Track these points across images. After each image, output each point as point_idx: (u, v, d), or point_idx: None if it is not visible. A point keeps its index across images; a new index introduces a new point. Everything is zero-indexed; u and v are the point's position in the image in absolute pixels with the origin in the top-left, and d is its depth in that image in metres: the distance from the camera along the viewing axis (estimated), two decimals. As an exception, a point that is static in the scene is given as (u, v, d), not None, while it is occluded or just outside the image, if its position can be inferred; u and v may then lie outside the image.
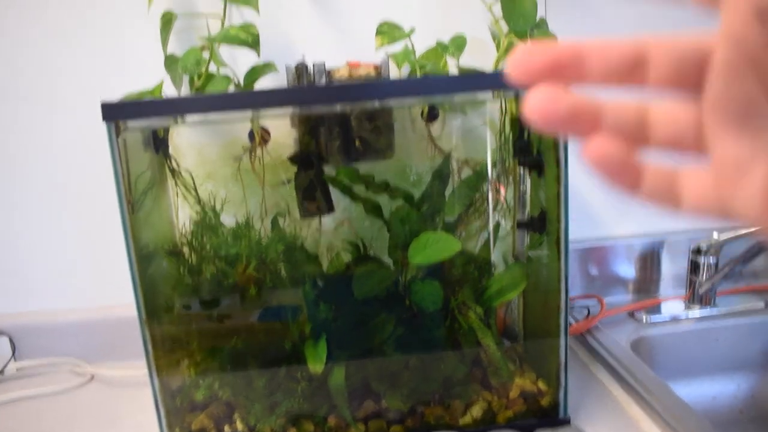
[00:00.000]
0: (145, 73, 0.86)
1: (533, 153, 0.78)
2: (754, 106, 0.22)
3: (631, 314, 1.05)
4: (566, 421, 0.78)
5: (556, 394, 0.77)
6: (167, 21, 0.86)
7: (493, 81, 0.68)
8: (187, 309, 0.78)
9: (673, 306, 1.08)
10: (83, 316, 1.08)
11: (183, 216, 0.84)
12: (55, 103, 1.00)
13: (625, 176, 0.25)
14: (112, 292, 1.09)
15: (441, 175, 0.82)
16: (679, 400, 0.78)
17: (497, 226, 0.84)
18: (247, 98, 0.68)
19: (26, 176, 1.03)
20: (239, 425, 0.76)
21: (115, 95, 0.79)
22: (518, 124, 0.81)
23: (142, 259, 0.73)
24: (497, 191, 0.86)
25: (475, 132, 0.87)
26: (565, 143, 0.71)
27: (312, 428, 0.76)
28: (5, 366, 1.06)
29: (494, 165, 0.84)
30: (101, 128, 0.66)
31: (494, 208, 0.86)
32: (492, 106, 0.87)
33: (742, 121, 0.22)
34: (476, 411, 0.78)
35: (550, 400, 0.78)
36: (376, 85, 0.69)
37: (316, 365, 0.73)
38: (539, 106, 0.24)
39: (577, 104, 0.25)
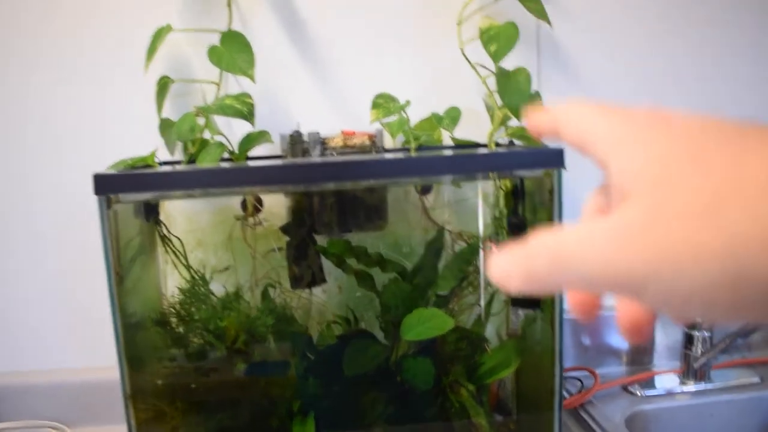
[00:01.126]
0: (138, 136, 0.85)
1: (527, 230, 0.78)
2: None
3: (625, 387, 1.04)
4: (560, 507, 0.75)
5: (550, 477, 0.75)
6: (163, 86, 0.86)
7: (488, 163, 0.69)
8: (170, 387, 0.76)
9: (667, 380, 1.06)
10: (65, 378, 1.05)
11: (172, 284, 0.82)
12: (44, 163, 0.99)
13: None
14: (95, 355, 1.06)
15: (434, 247, 0.82)
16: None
17: (490, 301, 0.83)
18: (240, 174, 0.68)
19: (12, 236, 1.02)
20: (222, 507, 0.74)
21: (107, 158, 0.79)
22: (512, 200, 0.81)
23: (128, 327, 0.72)
24: (489, 249, 0.85)
25: (469, 205, 0.87)
26: (560, 220, 0.71)
27: None
28: (-18, 430, 1.03)
29: (488, 239, 0.84)
30: (92, 192, 0.65)
31: (488, 283, 0.85)
32: (486, 180, 0.87)
33: None
34: (468, 494, 0.76)
35: (544, 483, 0.76)
36: (372, 164, 0.69)
37: (303, 446, 0.71)
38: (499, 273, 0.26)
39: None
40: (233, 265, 0.82)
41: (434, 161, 0.67)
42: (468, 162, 0.67)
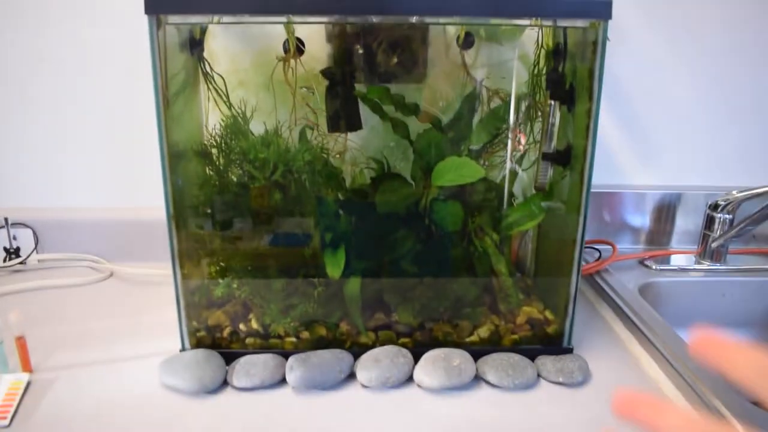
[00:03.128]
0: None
1: (565, 86, 0.78)
2: None
3: (642, 262, 1.07)
4: (569, 350, 0.80)
5: (562, 323, 0.80)
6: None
7: (533, 6, 0.68)
8: (210, 212, 0.80)
9: (683, 258, 1.09)
10: (105, 216, 1.11)
11: (213, 120, 0.85)
12: (92, 3, 1.00)
13: None
14: (135, 195, 1.11)
15: (470, 102, 0.83)
16: (681, 341, 0.80)
17: (521, 157, 0.85)
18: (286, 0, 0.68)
19: (60, 73, 1.05)
20: (254, 324, 0.79)
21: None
22: (553, 57, 0.81)
23: (172, 157, 0.75)
24: (517, 138, 0.86)
25: (508, 64, 0.87)
26: (600, 78, 0.71)
27: (324, 332, 0.79)
28: (28, 256, 1.09)
29: (525, 98, 0.85)
30: (137, 25, 0.66)
31: (514, 148, 0.86)
32: (527, 38, 0.87)
33: None
34: (483, 332, 0.80)
35: (556, 328, 0.81)
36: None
37: (333, 271, 0.75)
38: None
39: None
40: (273, 105, 0.84)
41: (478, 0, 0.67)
42: (511, 4, 0.67)
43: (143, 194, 1.12)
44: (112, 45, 1.03)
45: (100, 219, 1.11)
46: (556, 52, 0.80)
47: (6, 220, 1.08)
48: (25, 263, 1.09)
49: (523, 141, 0.86)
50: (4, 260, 1.09)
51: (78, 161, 1.10)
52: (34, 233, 1.10)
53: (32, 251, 1.10)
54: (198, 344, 0.79)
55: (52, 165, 1.10)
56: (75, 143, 1.09)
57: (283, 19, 0.79)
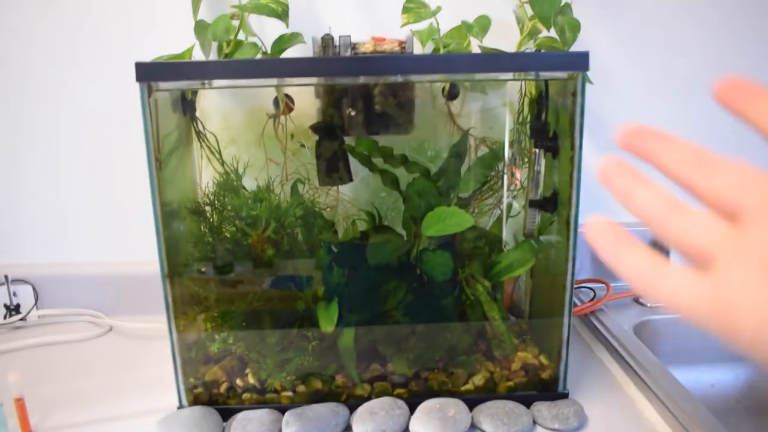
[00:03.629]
0: (174, 37, 0.88)
1: (549, 135, 0.80)
2: None
3: (636, 299, 1.07)
4: (565, 395, 0.80)
5: (557, 368, 0.80)
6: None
7: (514, 62, 0.70)
8: (204, 270, 0.81)
9: (678, 294, 1.10)
10: (104, 270, 1.12)
11: (206, 177, 0.87)
12: (86, 65, 1.03)
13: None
14: (133, 249, 1.13)
15: (458, 151, 0.85)
16: (677, 383, 0.80)
17: (510, 204, 0.86)
18: (273, 66, 0.71)
19: (58, 133, 1.07)
20: (251, 379, 0.80)
21: (144, 58, 0.82)
22: (536, 106, 0.83)
23: (165, 216, 0.76)
24: (512, 174, 0.88)
25: (494, 112, 0.89)
26: (581, 128, 0.73)
27: (320, 385, 0.80)
28: (28, 313, 1.10)
29: (511, 145, 0.86)
30: (131, 90, 0.69)
31: (508, 188, 0.88)
32: (511, 87, 0.89)
33: None
34: (478, 380, 0.81)
35: (551, 373, 0.81)
36: (400, 60, 0.71)
37: (327, 325, 0.76)
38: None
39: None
40: (265, 161, 0.86)
41: (461, 58, 0.69)
42: (494, 61, 0.69)
43: (141, 248, 1.13)
44: (110, 102, 1.05)
45: (99, 274, 1.12)
46: (539, 101, 0.82)
47: (6, 277, 1.10)
48: (25, 320, 1.10)
49: (518, 175, 0.87)
50: (5, 317, 1.10)
51: (76, 217, 1.11)
52: (34, 289, 1.11)
53: (32, 307, 1.11)
54: (195, 400, 0.79)
55: (50, 221, 1.12)
56: (72, 199, 1.10)
57: (273, 81, 0.81)
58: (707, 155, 0.29)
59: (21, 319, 1.10)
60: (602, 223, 0.31)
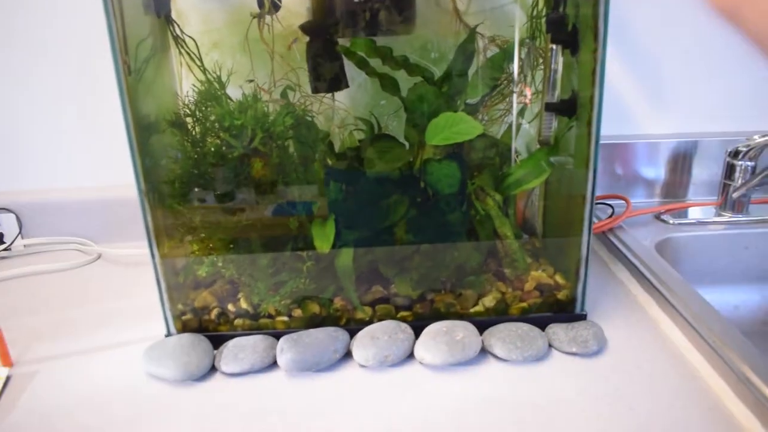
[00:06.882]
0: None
1: (568, 27, 0.71)
2: None
3: (658, 216, 1.00)
4: (582, 317, 0.74)
5: (574, 288, 0.74)
6: None
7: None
8: (187, 185, 0.74)
9: (702, 211, 1.02)
10: (91, 195, 1.05)
11: (187, 87, 0.78)
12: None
13: None
14: (121, 172, 1.06)
15: (465, 52, 0.76)
16: (704, 302, 0.74)
17: (523, 109, 0.78)
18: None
19: (32, 52, 0.98)
20: (243, 304, 0.74)
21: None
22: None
23: (143, 129, 0.69)
24: (523, 93, 0.79)
25: (505, 7, 0.80)
26: (605, 16, 0.64)
27: (317, 309, 0.74)
28: (12, 242, 1.04)
29: (523, 43, 0.77)
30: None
31: (520, 93, 0.79)
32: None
33: None
34: (489, 301, 0.75)
35: (567, 294, 0.75)
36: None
37: (323, 244, 0.69)
38: None
39: None
40: (250, 67, 0.77)
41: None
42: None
43: (128, 170, 1.06)
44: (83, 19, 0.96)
45: (85, 199, 1.05)
46: (557, -9, 0.72)
47: (-13, 206, 1.04)
48: (10, 249, 1.05)
49: (528, 94, 0.79)
50: (-12, 247, 1.05)
51: (60, 141, 1.04)
52: (18, 218, 1.05)
53: (17, 236, 1.05)
54: (184, 328, 0.74)
55: (31, 146, 1.04)
56: (53, 121, 1.03)
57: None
58: None
59: (5, 249, 1.04)
60: None
